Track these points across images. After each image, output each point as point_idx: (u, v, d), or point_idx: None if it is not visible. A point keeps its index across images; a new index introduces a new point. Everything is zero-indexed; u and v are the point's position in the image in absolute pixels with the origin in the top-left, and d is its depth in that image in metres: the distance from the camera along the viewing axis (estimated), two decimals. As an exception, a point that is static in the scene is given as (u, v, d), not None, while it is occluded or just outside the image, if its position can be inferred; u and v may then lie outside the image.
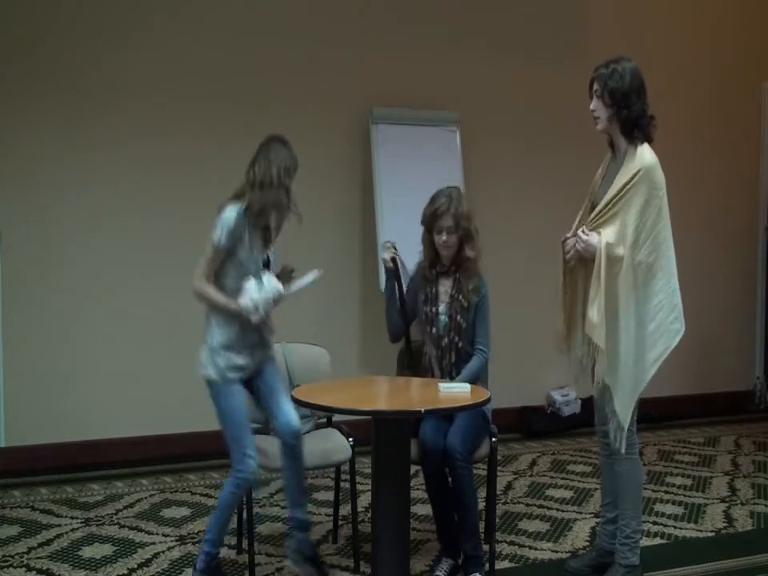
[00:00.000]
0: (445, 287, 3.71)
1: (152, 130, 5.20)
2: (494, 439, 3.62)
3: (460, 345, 3.66)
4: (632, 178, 3.23)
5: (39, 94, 5.00)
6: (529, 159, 6.08)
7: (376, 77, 5.69)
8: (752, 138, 6.89)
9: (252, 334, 3.35)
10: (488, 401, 3.30)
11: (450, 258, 3.66)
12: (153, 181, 5.22)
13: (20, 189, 5.00)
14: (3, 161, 4.98)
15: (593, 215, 3.33)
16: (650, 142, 3.30)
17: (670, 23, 6.53)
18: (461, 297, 3.64)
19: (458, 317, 3.65)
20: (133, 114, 5.16)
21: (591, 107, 3.33)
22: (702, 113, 6.64)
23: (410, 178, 5.43)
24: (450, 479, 3.47)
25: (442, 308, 3.69)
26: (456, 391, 3.30)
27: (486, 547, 3.59)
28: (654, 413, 5.75)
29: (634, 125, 3.26)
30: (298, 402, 3.24)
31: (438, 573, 3.52)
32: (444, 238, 3.61)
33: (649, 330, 3.26)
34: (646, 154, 3.26)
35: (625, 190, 3.24)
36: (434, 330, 3.69)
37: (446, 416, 3.53)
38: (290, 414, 3.35)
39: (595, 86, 3.30)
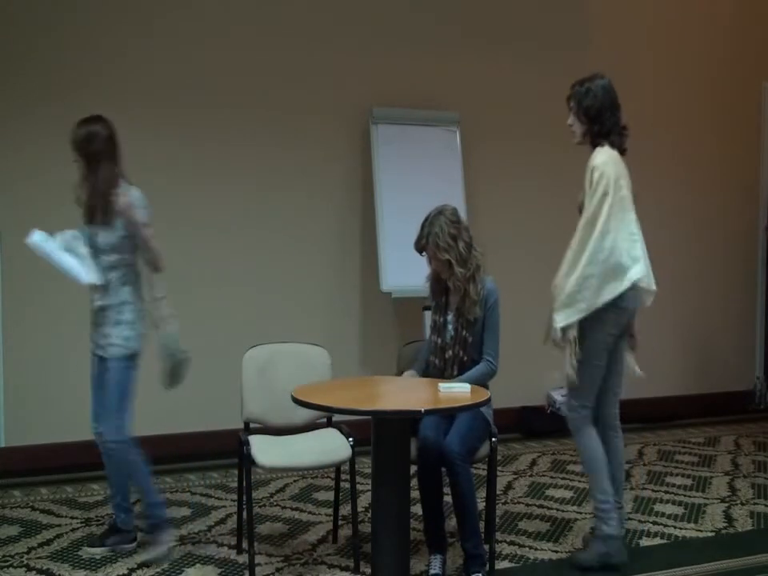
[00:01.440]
0: (455, 298, 3.70)
1: (152, 130, 5.19)
2: (494, 439, 3.62)
3: (465, 359, 3.65)
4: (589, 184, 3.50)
5: (39, 95, 4.99)
6: (529, 159, 6.08)
7: (376, 77, 5.69)
8: (752, 138, 6.89)
9: (95, 312, 3.78)
10: (488, 401, 3.30)
11: (447, 276, 3.67)
12: (152, 181, 5.20)
13: (20, 189, 5.00)
14: (3, 161, 4.98)
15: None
16: (621, 152, 3.56)
17: (670, 23, 6.52)
18: (465, 311, 3.64)
19: (464, 331, 3.64)
20: (132, 115, 5.13)
21: (568, 122, 3.65)
22: (702, 113, 6.64)
23: (410, 178, 5.44)
24: (448, 479, 3.46)
25: (450, 317, 3.70)
26: (456, 391, 3.30)
27: (485, 547, 3.59)
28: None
29: (605, 138, 3.55)
30: (298, 402, 3.20)
31: (433, 571, 3.51)
32: (432, 265, 3.70)
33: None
34: (597, 156, 3.52)
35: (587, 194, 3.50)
36: (440, 339, 3.70)
37: (446, 415, 3.53)
38: (102, 425, 3.70)
39: (571, 103, 3.62)
